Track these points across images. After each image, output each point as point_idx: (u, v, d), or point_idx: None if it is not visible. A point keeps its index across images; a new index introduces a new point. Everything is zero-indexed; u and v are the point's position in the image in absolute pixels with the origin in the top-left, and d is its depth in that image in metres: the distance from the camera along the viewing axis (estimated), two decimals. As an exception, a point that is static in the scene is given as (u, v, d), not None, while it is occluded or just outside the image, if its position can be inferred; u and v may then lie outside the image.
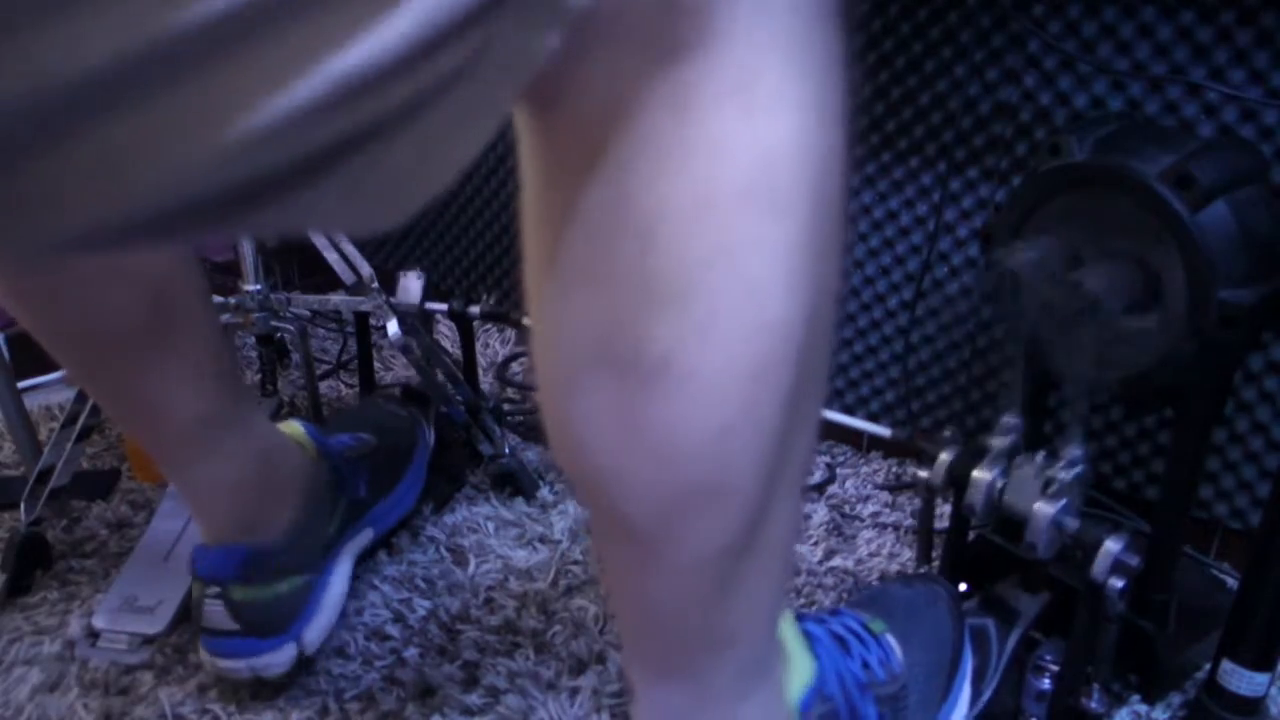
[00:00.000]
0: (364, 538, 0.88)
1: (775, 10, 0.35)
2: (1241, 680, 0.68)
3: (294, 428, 0.83)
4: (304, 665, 0.78)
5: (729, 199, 0.36)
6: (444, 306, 1.05)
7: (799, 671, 0.59)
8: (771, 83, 0.35)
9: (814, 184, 0.37)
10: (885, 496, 1.03)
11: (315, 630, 0.79)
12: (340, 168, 0.26)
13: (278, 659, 0.76)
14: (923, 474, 0.76)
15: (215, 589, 0.73)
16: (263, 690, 0.77)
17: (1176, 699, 0.76)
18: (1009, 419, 0.73)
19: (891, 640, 0.67)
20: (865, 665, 0.64)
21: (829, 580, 0.90)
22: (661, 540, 0.43)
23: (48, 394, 1.18)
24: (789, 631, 0.60)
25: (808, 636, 0.62)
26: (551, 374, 0.42)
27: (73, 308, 0.64)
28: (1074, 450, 0.68)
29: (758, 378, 0.38)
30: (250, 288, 1.00)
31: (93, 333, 0.65)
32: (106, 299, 0.64)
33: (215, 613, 0.73)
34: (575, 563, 0.91)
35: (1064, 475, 0.68)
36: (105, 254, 0.57)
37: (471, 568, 0.91)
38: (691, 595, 0.46)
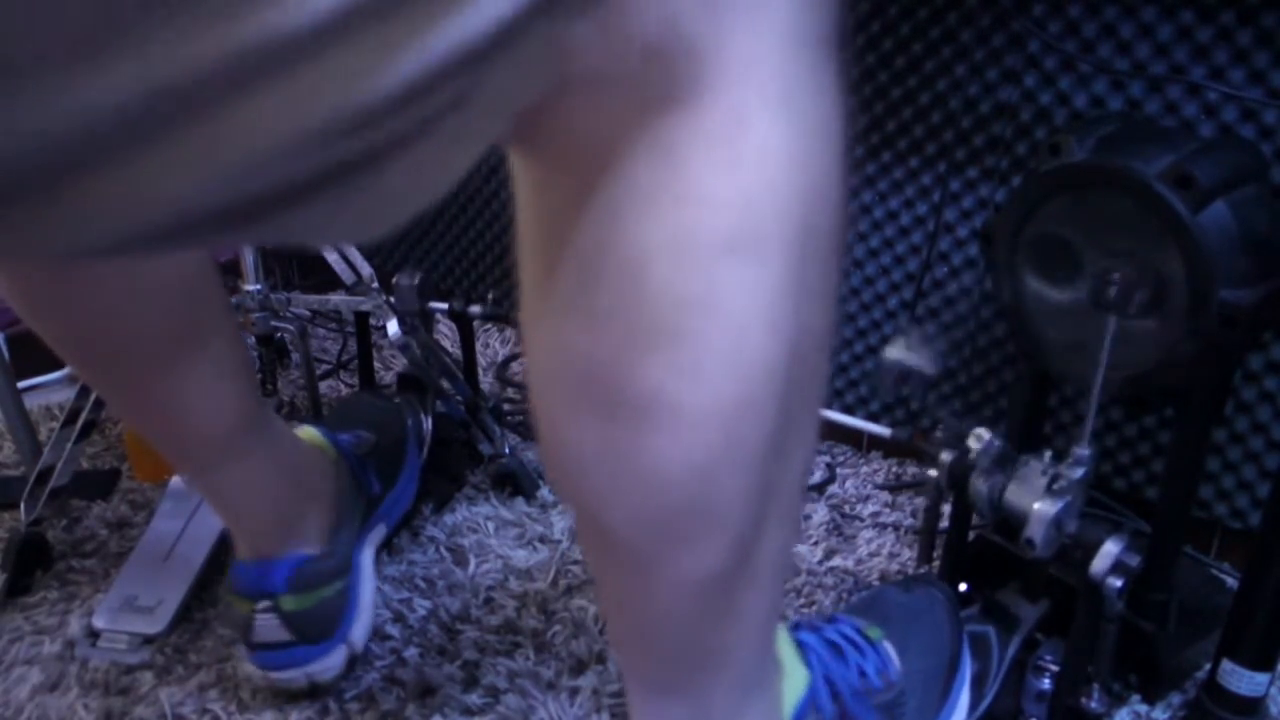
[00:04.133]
0: (378, 533, 0.89)
1: (768, 60, 0.35)
2: (1241, 680, 0.68)
3: (310, 432, 0.83)
4: (353, 665, 0.79)
5: (713, 247, 0.36)
6: (444, 306, 1.05)
7: (792, 682, 0.59)
8: (759, 133, 0.36)
9: (800, 229, 0.38)
10: (885, 496, 1.03)
11: (360, 629, 0.79)
12: (334, 189, 0.27)
13: (332, 662, 0.76)
14: (931, 473, 0.76)
15: (265, 602, 0.73)
16: (262, 690, 0.77)
17: (1176, 699, 0.76)
18: (983, 431, 0.73)
19: (889, 647, 0.67)
20: (862, 673, 0.64)
21: (829, 580, 0.90)
22: (651, 565, 0.44)
23: (48, 394, 1.18)
24: (782, 642, 0.60)
25: (801, 646, 0.62)
26: (544, 401, 0.43)
27: (105, 318, 0.64)
28: (1080, 450, 0.68)
29: (742, 413, 0.39)
30: (250, 288, 1.00)
31: (126, 342, 0.65)
32: (136, 306, 0.64)
33: (268, 626, 0.74)
34: (575, 563, 0.91)
35: (1068, 474, 0.68)
36: (131, 256, 0.58)
37: (471, 568, 0.91)
38: (684, 617, 0.47)
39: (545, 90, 0.33)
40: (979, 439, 0.72)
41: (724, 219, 0.36)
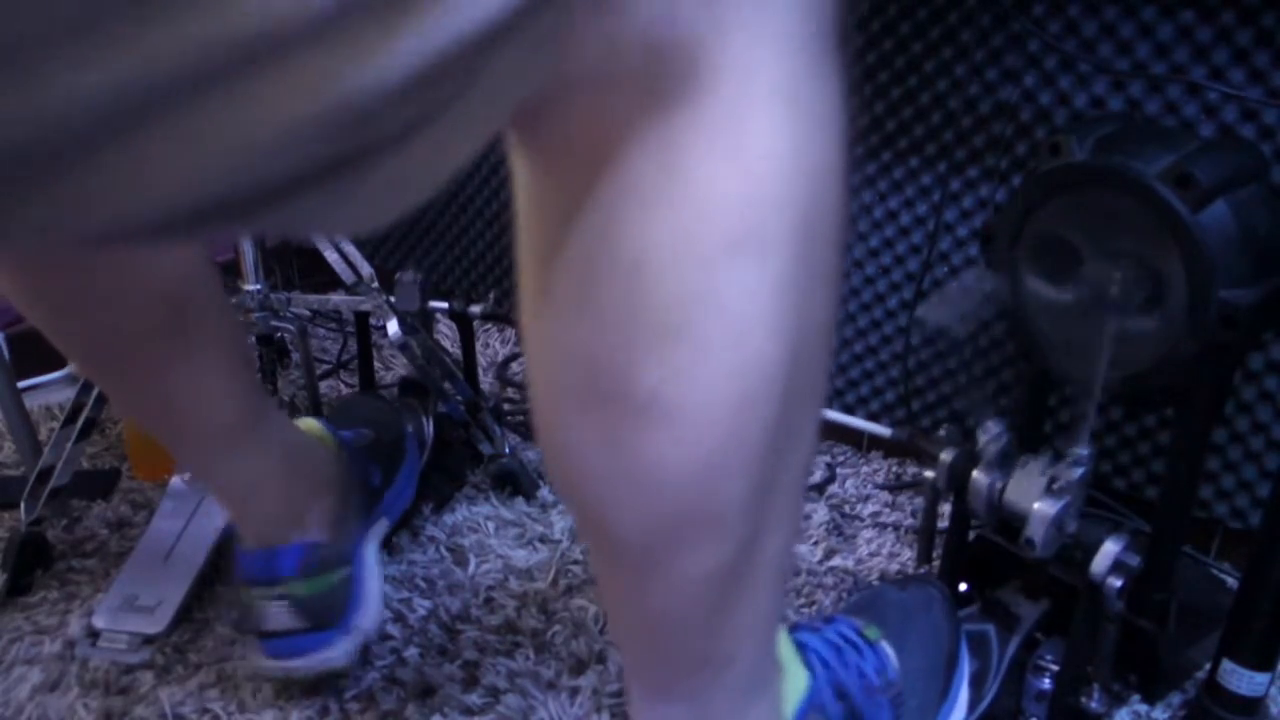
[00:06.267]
0: (381, 526, 0.89)
1: (768, 58, 0.35)
2: (1241, 680, 0.68)
3: (310, 423, 0.83)
4: (363, 653, 0.79)
5: (713, 245, 0.36)
6: (444, 306, 1.05)
7: (793, 684, 0.59)
8: (759, 132, 0.36)
9: (801, 227, 0.38)
10: (885, 496, 1.03)
11: (369, 617, 0.79)
12: (333, 182, 0.27)
13: (343, 649, 0.76)
14: (928, 474, 0.76)
15: (278, 589, 0.73)
16: (263, 690, 0.77)
17: (1176, 699, 0.76)
18: (992, 423, 0.73)
19: (887, 647, 0.67)
20: (861, 674, 0.64)
21: (829, 580, 0.90)
22: (652, 565, 0.44)
23: (48, 394, 1.18)
24: (783, 643, 0.60)
25: (801, 647, 0.62)
26: (544, 402, 0.43)
27: (101, 310, 0.64)
28: (1079, 450, 0.68)
29: (743, 412, 0.39)
30: (250, 288, 1.00)
31: (125, 337, 0.65)
32: (134, 300, 0.64)
33: (278, 613, 0.73)
34: (575, 562, 0.91)
35: (1068, 475, 0.68)
36: (129, 246, 0.58)
37: (471, 567, 0.91)
38: (686, 618, 0.47)
39: (544, 86, 0.32)
40: (987, 431, 0.72)
41: (724, 218, 0.36)
